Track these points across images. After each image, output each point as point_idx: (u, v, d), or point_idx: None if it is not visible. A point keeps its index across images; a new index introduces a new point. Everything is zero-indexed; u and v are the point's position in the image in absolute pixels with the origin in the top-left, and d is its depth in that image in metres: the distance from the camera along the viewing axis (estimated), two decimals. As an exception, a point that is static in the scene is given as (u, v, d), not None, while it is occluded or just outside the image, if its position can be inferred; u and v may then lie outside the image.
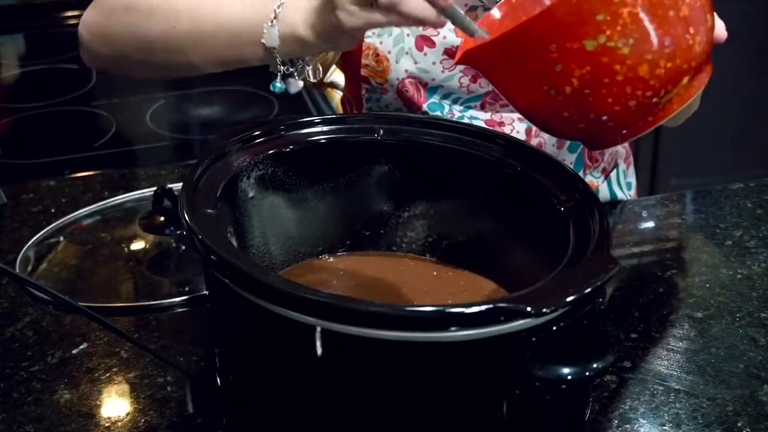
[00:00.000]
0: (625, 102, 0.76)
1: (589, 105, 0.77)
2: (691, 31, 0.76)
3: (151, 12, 0.96)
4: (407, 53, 1.06)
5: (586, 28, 0.74)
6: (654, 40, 0.75)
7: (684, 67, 0.77)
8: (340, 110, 1.31)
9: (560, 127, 0.82)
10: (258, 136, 0.88)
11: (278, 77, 0.92)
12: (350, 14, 0.83)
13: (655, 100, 0.77)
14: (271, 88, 0.92)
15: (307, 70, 0.95)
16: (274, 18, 0.88)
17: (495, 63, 0.81)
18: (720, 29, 0.82)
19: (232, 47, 0.93)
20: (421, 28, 1.05)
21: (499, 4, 0.92)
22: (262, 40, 0.89)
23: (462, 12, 0.82)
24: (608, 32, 0.74)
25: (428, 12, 0.80)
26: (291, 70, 0.93)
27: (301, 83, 0.95)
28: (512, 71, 0.80)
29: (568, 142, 1.15)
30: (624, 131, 0.80)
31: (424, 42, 1.06)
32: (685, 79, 0.78)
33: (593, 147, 0.88)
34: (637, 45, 0.74)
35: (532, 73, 0.78)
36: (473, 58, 0.82)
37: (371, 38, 1.06)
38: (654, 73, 0.75)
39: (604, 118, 0.78)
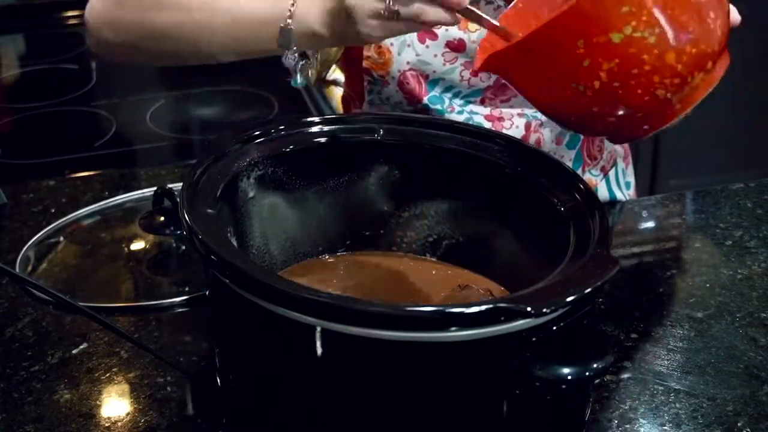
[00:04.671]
0: (654, 91, 0.77)
1: (618, 98, 0.78)
2: (712, 15, 0.77)
3: (161, 2, 0.97)
4: (409, 45, 1.06)
5: (612, 21, 0.74)
6: (678, 27, 0.75)
7: (708, 51, 0.77)
8: (341, 110, 1.31)
9: (589, 123, 0.82)
10: (258, 136, 0.88)
11: (297, 73, 0.95)
12: (372, 29, 0.85)
13: (683, 87, 0.78)
14: (292, 83, 0.95)
15: (316, 61, 0.97)
16: (290, 17, 0.90)
17: (518, 65, 0.82)
18: (734, 13, 0.84)
19: (245, 42, 0.95)
20: None
21: (512, 5, 0.92)
22: (277, 37, 0.91)
23: (477, 11, 0.85)
24: (634, 23, 0.74)
25: (446, 16, 0.84)
26: (302, 63, 0.95)
27: (310, 76, 0.97)
28: (537, 72, 0.80)
29: (566, 139, 1.15)
30: (654, 121, 0.81)
31: (426, 34, 1.06)
32: (709, 64, 0.78)
33: (619, 141, 0.87)
34: (663, 33, 0.75)
35: (559, 71, 0.78)
36: (495, 63, 0.82)
37: None
38: (681, 60, 0.76)
39: (634, 109, 0.79)
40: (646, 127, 0.81)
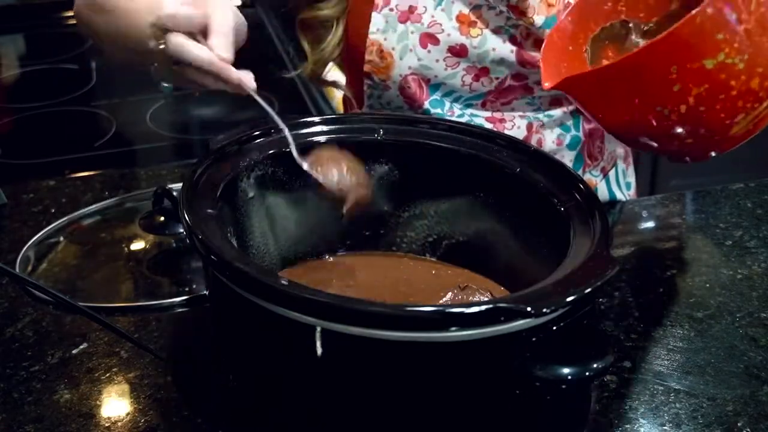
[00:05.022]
0: (736, 114, 0.80)
1: (702, 121, 0.81)
2: None
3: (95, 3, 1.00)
4: (411, 50, 1.06)
5: (707, 48, 0.77)
6: (765, 53, 0.78)
7: None
8: (341, 110, 1.32)
9: (663, 143, 0.85)
10: (258, 136, 0.88)
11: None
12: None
13: (760, 110, 0.81)
14: (162, 89, 0.96)
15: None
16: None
17: (597, 88, 0.84)
18: None
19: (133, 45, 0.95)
20: (426, 25, 1.05)
21: (568, 12, 0.94)
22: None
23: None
24: (726, 50, 0.77)
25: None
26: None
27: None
28: (618, 95, 0.83)
29: (567, 140, 1.15)
30: (725, 144, 0.84)
31: (428, 39, 1.06)
32: None
33: (681, 160, 0.90)
34: (751, 59, 0.78)
35: (646, 95, 0.81)
36: (573, 85, 0.84)
37: (376, 35, 1.06)
38: (763, 85, 0.79)
39: (714, 132, 0.82)
40: (715, 149, 0.84)
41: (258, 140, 0.88)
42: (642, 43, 0.94)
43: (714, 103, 0.79)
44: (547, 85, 0.87)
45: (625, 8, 0.95)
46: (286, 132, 0.85)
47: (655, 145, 0.86)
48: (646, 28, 0.96)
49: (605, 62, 0.94)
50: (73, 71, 1.86)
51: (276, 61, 1.75)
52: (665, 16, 0.94)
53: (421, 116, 1.06)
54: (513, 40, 1.06)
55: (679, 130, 0.81)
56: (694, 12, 0.76)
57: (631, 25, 0.95)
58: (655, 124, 0.81)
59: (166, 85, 0.95)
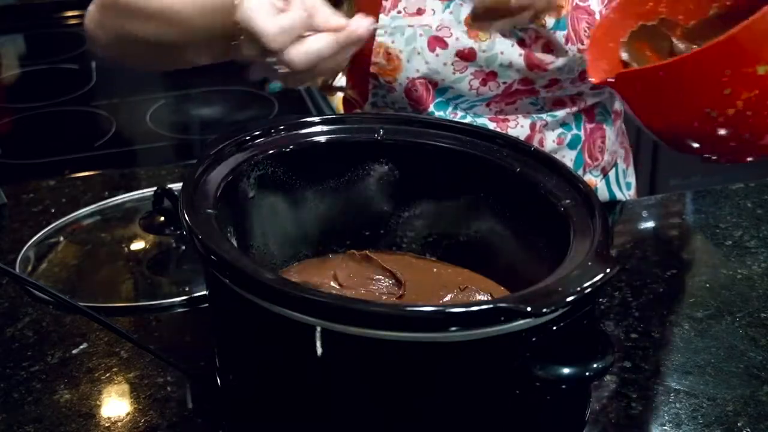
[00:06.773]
0: None
1: (747, 125, 0.82)
2: None
3: (132, 9, 0.98)
4: (419, 53, 1.06)
5: (763, 53, 0.78)
6: None
7: None
8: (341, 110, 1.31)
9: (705, 144, 0.87)
10: (258, 136, 0.88)
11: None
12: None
13: None
14: (269, 90, 0.95)
15: None
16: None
17: (648, 86, 0.85)
18: None
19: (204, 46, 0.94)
20: (434, 29, 1.05)
21: (611, 8, 0.94)
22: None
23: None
24: None
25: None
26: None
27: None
28: (667, 94, 0.84)
29: (568, 138, 1.15)
30: (766, 150, 0.85)
31: (437, 43, 1.05)
32: None
33: (723, 161, 0.91)
34: None
35: (696, 96, 0.82)
36: (624, 81, 0.85)
37: (383, 37, 1.06)
38: None
39: (757, 137, 0.83)
40: (753, 154, 0.87)
41: (258, 140, 0.88)
42: (680, 44, 0.95)
43: (762, 109, 0.80)
44: (593, 80, 0.88)
45: (666, 9, 0.97)
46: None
47: (697, 145, 0.87)
48: (684, 30, 0.97)
49: (650, 58, 0.95)
50: (73, 71, 1.86)
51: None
52: (703, 20, 0.95)
53: (421, 116, 1.06)
54: (522, 43, 1.05)
55: (723, 132, 0.82)
56: (756, 16, 0.77)
57: (669, 25, 0.96)
58: (700, 125, 0.83)
59: (274, 83, 0.94)
